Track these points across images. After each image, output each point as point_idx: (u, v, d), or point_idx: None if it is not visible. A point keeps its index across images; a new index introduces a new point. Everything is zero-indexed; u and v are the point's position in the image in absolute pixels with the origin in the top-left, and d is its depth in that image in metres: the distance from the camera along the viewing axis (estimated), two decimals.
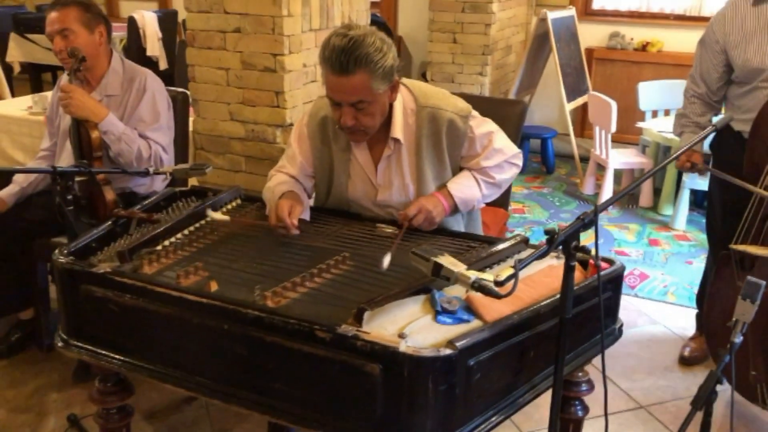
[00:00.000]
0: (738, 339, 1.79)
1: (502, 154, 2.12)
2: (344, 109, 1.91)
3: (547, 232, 1.47)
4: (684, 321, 3.19)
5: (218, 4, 2.87)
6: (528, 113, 5.93)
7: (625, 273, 3.60)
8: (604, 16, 5.81)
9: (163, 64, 6.35)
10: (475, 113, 2.11)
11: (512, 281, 1.36)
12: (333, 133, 2.10)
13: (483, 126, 2.11)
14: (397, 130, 2.04)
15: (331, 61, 1.85)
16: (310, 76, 3.00)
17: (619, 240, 4.12)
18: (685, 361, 2.90)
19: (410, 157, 2.08)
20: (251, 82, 2.90)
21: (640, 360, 2.93)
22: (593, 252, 1.55)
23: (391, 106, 2.02)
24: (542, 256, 1.44)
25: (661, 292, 3.50)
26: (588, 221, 1.52)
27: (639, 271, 3.72)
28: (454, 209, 2.09)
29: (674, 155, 1.91)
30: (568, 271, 1.50)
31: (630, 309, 3.34)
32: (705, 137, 1.97)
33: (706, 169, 2.48)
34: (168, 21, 6.43)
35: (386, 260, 1.67)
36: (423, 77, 5.87)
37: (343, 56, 1.82)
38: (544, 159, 5.42)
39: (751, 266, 2.30)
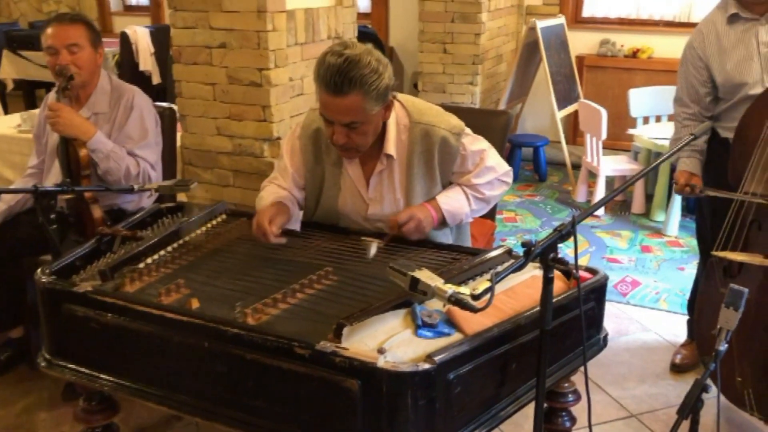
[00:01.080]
0: (722, 347, 1.78)
1: (494, 171, 2.14)
2: (336, 128, 1.91)
3: (524, 245, 1.47)
4: (676, 328, 3.18)
5: (203, 20, 2.89)
6: (520, 121, 5.98)
7: (617, 280, 3.66)
8: (594, 23, 5.83)
9: (156, 79, 6.37)
10: (467, 130, 2.12)
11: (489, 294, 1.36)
12: (325, 146, 2.10)
13: (475, 144, 2.11)
14: (391, 147, 2.04)
15: (325, 81, 1.84)
16: (296, 89, 3.01)
17: (612, 247, 4.12)
18: (677, 369, 2.89)
19: (402, 172, 2.08)
20: (238, 97, 2.91)
21: (632, 368, 2.92)
22: (572, 263, 1.56)
23: (384, 123, 2.02)
24: (519, 268, 1.44)
25: (653, 299, 3.49)
26: (565, 233, 1.53)
27: (631, 279, 3.72)
28: (443, 222, 2.10)
29: (647, 169, 1.90)
30: (547, 283, 1.51)
31: (622, 317, 3.34)
32: (683, 147, 1.98)
33: (706, 192, 2.42)
34: (161, 36, 6.45)
35: (373, 250, 1.77)
36: (415, 87, 5.89)
37: (338, 77, 1.81)
38: (537, 167, 5.43)
39: (737, 273, 2.30)
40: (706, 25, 2.54)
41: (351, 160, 2.08)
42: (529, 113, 5.97)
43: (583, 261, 3.88)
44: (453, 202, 2.09)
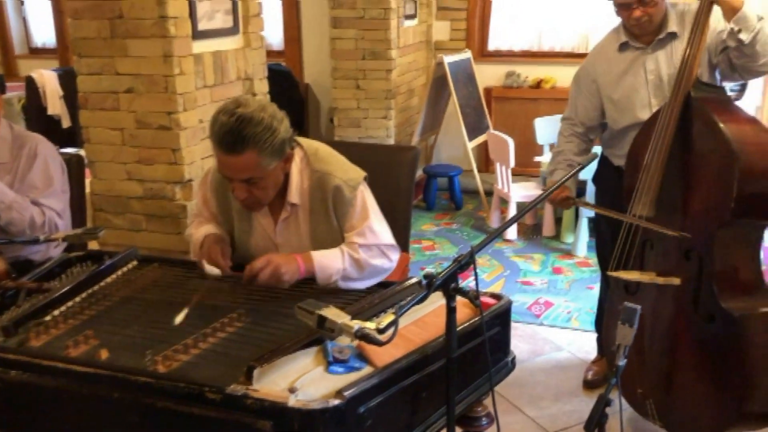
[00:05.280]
0: (622, 362, 1.89)
1: (376, 237, 2.06)
2: (236, 184, 1.93)
3: (425, 277, 1.54)
4: (587, 345, 3.33)
5: (109, 66, 2.88)
6: (434, 152, 6.15)
7: (531, 302, 3.80)
8: (499, 56, 6.09)
9: (66, 122, 6.22)
10: (366, 187, 2.09)
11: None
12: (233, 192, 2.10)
13: (368, 202, 2.08)
14: (294, 195, 2.05)
15: (219, 140, 1.86)
16: (207, 131, 3.00)
17: (525, 270, 4.28)
18: (589, 385, 3.02)
19: (305, 219, 2.09)
20: (147, 141, 2.90)
21: (547, 387, 3.03)
22: (474, 292, 1.64)
23: (287, 172, 2.03)
24: (421, 300, 1.51)
25: (564, 319, 3.64)
26: (465, 263, 1.61)
27: (544, 300, 3.87)
28: (312, 274, 1.99)
29: (547, 192, 2.02)
30: (450, 312, 1.58)
31: (536, 338, 3.46)
32: (574, 175, 2.12)
33: (576, 203, 2.62)
34: (70, 78, 6.27)
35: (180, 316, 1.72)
36: (331, 122, 5.98)
37: (230, 136, 1.83)
38: (452, 196, 5.59)
39: (636, 290, 2.44)
40: (599, 50, 2.71)
41: None
42: (443, 144, 6.14)
43: (497, 286, 4.01)
44: (327, 254, 2.01)
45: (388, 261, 2.07)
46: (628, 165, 2.50)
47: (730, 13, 2.19)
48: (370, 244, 2.03)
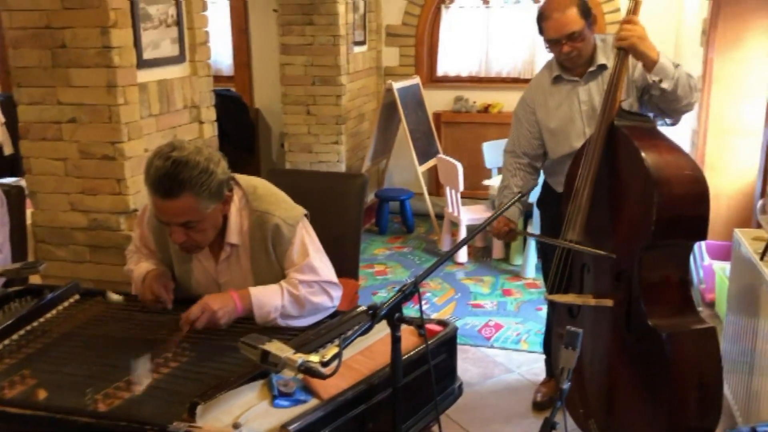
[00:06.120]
0: (566, 386, 1.93)
1: (316, 274, 2.04)
2: (173, 228, 1.91)
3: (369, 308, 1.55)
4: (537, 367, 3.38)
5: (51, 96, 2.84)
6: (386, 176, 6.19)
7: (482, 325, 3.84)
8: (447, 82, 6.20)
9: (8, 149, 6.05)
10: (306, 225, 2.09)
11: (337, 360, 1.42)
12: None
13: (307, 239, 2.07)
14: (232, 235, 2.03)
15: (154, 185, 1.84)
16: None
17: (475, 293, 4.32)
18: (539, 407, 3.06)
19: (246, 258, 2.07)
20: (90, 171, 2.86)
21: (498, 410, 3.06)
22: (418, 320, 1.65)
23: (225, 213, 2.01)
24: (365, 332, 1.52)
25: (514, 341, 3.69)
26: (409, 292, 1.62)
27: (494, 322, 3.91)
28: (250, 311, 1.97)
29: (487, 221, 2.06)
30: (395, 342, 1.59)
31: (487, 360, 3.50)
32: (514, 203, 2.17)
33: (520, 233, 2.69)
34: (11, 105, 6.15)
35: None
36: (282, 147, 5.98)
37: (166, 180, 1.81)
38: (404, 219, 5.63)
39: (578, 313, 2.50)
40: (535, 84, 2.80)
41: None
42: (395, 168, 6.19)
43: (448, 309, 4.05)
44: (265, 291, 1.99)
45: (329, 299, 2.05)
46: (564, 191, 2.58)
47: (650, 65, 2.31)
48: (310, 281, 2.01)
